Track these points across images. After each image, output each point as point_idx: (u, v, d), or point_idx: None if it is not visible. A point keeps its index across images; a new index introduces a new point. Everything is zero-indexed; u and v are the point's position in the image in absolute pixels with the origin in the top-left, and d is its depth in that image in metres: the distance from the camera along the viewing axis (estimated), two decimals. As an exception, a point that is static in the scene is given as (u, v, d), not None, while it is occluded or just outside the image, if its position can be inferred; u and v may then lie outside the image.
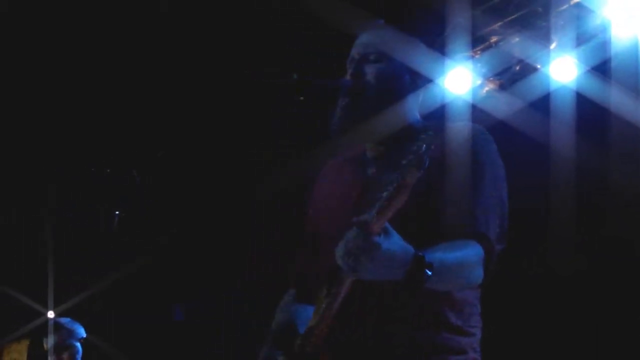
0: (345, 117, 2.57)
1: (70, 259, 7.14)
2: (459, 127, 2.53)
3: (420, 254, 2.17)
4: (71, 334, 5.80)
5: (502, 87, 5.47)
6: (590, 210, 5.32)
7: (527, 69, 5.37)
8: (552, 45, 5.20)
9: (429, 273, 2.17)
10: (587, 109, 5.13)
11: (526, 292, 5.51)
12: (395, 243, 2.13)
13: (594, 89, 5.11)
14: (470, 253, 2.34)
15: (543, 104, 5.29)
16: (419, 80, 2.64)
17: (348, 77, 2.63)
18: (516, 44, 5.27)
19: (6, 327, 6.82)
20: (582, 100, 5.16)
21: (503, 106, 5.37)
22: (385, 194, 2.07)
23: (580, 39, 5.13)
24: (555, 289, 5.41)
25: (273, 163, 6.24)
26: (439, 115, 2.82)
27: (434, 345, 2.43)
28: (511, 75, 5.42)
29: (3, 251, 7.27)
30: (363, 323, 2.42)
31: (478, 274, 2.39)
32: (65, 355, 5.66)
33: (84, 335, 5.90)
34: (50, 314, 6.72)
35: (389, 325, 2.42)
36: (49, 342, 5.69)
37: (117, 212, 5.61)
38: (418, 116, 2.68)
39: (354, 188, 2.60)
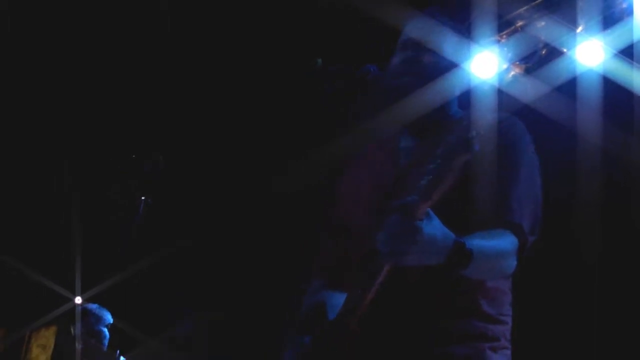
0: (383, 102, 2.58)
1: (98, 245, 7.17)
2: (497, 118, 2.53)
3: (461, 240, 2.17)
4: (99, 320, 5.84)
5: (528, 72, 5.43)
6: (616, 195, 5.29)
7: (553, 53, 5.32)
8: (579, 29, 5.16)
9: (468, 260, 2.18)
10: (614, 93, 5.09)
11: (551, 279, 5.49)
12: (436, 227, 2.14)
13: (621, 72, 5.06)
14: (505, 243, 2.36)
15: (569, 88, 5.25)
16: (462, 72, 2.65)
17: (396, 60, 2.64)
18: (542, 28, 5.23)
19: (34, 313, 6.86)
20: (608, 84, 5.12)
21: (529, 90, 5.34)
22: (427, 179, 2.07)
23: (607, 23, 5.09)
24: (580, 277, 5.39)
25: (292, 155, 6.22)
26: (468, 103, 2.82)
27: (467, 333, 2.43)
28: (537, 59, 5.38)
29: (30, 237, 7.30)
30: (397, 310, 2.42)
31: (511, 264, 2.41)
32: (92, 341, 5.69)
33: (112, 321, 5.93)
34: (78, 300, 6.74)
35: (423, 312, 2.42)
36: (77, 328, 5.71)
37: (142, 198, 5.60)
38: (457, 107, 2.69)
39: (387, 177, 2.60)
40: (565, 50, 5.28)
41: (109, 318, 5.91)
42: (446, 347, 2.41)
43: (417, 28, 2.69)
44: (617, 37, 5.09)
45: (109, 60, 6.00)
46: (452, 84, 2.65)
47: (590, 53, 5.19)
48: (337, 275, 2.69)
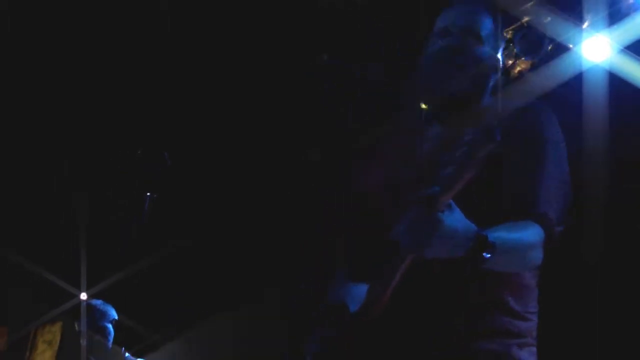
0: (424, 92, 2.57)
1: (103, 241, 7.17)
2: (523, 105, 2.52)
3: (483, 232, 2.15)
4: (103, 316, 5.84)
5: (534, 67, 5.41)
6: (620, 194, 5.27)
7: (559, 49, 5.30)
8: (585, 25, 5.13)
9: (490, 253, 2.15)
10: (620, 89, 5.06)
11: (551, 279, 5.46)
12: (458, 220, 2.11)
13: (628, 68, 5.04)
14: (531, 234, 2.33)
15: (575, 84, 5.22)
16: (498, 59, 2.64)
17: (436, 47, 2.63)
18: (548, 24, 5.20)
19: (39, 309, 6.88)
20: (615, 80, 5.09)
21: (535, 86, 5.31)
22: (449, 169, 2.05)
23: (613, 18, 5.06)
24: (581, 277, 5.37)
25: (292, 155, 6.20)
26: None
27: (493, 329, 2.41)
28: (543, 55, 5.35)
29: (36, 233, 7.32)
30: (420, 304, 2.39)
31: (538, 256, 2.38)
32: (97, 337, 5.70)
33: (116, 317, 5.93)
34: (83, 296, 6.75)
35: (446, 307, 2.40)
36: (82, 324, 5.73)
37: (148, 194, 5.61)
38: (489, 95, 2.67)
39: (409, 167, 2.57)
40: (571, 46, 5.26)
41: (113, 314, 5.91)
42: (472, 343, 2.39)
43: (457, 14, 2.67)
44: (624, 32, 5.06)
45: (109, 59, 5.99)
46: (488, 71, 2.63)
47: (596, 49, 5.16)
48: (359, 267, 2.65)
